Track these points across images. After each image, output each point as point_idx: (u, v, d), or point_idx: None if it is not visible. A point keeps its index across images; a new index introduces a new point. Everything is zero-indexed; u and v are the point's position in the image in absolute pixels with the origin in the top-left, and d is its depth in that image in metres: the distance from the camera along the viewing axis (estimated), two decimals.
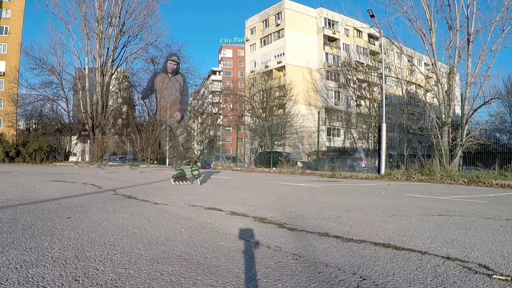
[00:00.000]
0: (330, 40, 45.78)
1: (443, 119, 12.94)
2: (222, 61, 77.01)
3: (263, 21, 47.76)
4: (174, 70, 5.42)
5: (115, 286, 1.05)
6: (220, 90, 51.25)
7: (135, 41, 28.25)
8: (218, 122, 41.03)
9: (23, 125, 30.25)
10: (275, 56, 45.06)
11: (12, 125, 29.59)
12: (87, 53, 26.48)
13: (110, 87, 28.55)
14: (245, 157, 27.32)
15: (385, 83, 14.72)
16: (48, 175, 6.62)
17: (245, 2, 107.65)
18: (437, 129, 12.52)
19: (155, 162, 27.72)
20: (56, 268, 1.17)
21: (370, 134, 31.61)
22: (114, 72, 28.38)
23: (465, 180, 7.64)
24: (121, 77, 31.08)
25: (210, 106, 44.97)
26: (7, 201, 2.73)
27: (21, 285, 1.02)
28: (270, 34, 46.41)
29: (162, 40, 48.03)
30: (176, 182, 5.24)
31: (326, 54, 44.71)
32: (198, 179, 5.44)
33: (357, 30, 40.69)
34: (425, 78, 16.42)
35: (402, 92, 30.98)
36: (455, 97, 13.35)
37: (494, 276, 1.22)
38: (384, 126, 10.67)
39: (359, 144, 33.78)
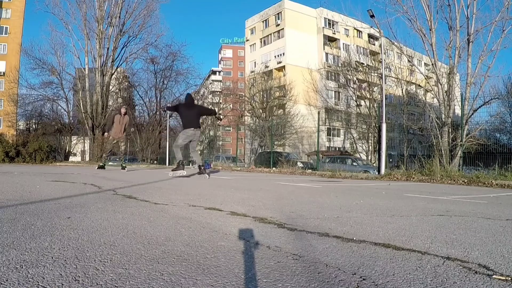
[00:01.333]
0: (330, 40, 45.79)
1: (443, 119, 12.94)
2: (222, 61, 77.01)
3: (263, 21, 47.76)
4: (124, 113, 9.55)
5: (115, 286, 1.05)
6: (220, 90, 51.29)
7: (135, 41, 28.33)
8: (218, 122, 41.00)
9: (23, 125, 30.26)
10: (275, 56, 45.07)
11: (12, 125, 29.59)
12: (87, 53, 26.51)
13: (110, 87, 28.57)
14: (245, 157, 27.35)
15: (385, 83, 14.73)
16: (48, 175, 6.62)
17: (245, 2, 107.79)
18: (437, 129, 12.52)
19: (155, 162, 27.74)
20: (56, 268, 1.17)
21: (370, 134, 31.62)
22: (114, 72, 28.40)
23: (465, 180, 7.64)
24: (121, 77, 31.12)
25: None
26: (7, 201, 2.73)
27: (21, 285, 1.02)
28: (270, 34, 46.41)
29: (162, 40, 48.15)
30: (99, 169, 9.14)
31: (326, 54, 44.72)
32: (125, 169, 9.53)
33: (357, 30, 40.68)
34: (425, 78, 16.44)
35: (402, 92, 30.98)
36: (455, 97, 13.36)
37: (494, 276, 1.22)
38: (384, 126, 10.67)
39: (359, 144, 33.78)
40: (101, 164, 9.92)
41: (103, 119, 26.93)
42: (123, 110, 9.58)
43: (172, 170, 7.21)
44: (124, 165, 10.00)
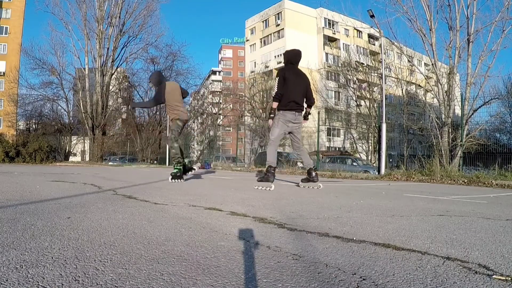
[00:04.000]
0: (330, 40, 45.82)
1: (443, 119, 12.95)
2: (222, 61, 77.08)
3: (263, 21, 47.80)
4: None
5: (115, 286, 1.05)
6: (220, 90, 51.31)
7: (135, 41, 28.40)
8: (218, 122, 41.08)
9: (23, 125, 30.33)
10: (275, 56, 45.10)
11: (12, 125, 29.64)
12: (87, 53, 26.55)
13: (110, 87, 28.59)
14: (245, 157, 27.32)
15: (385, 83, 14.73)
16: (48, 175, 6.62)
17: (245, 2, 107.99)
18: (437, 129, 12.53)
19: (155, 162, 27.74)
20: (56, 268, 1.17)
21: (370, 134, 31.59)
22: (114, 72, 28.42)
23: (465, 180, 7.64)
24: (121, 77, 31.13)
25: (210, 106, 45.00)
26: (7, 201, 2.73)
27: (21, 285, 1.02)
28: (270, 34, 46.46)
29: (162, 40, 48.32)
30: (174, 180, 5.64)
31: (326, 54, 44.76)
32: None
33: (357, 30, 40.69)
34: (425, 78, 16.43)
35: (402, 92, 30.97)
36: (455, 97, 13.36)
37: (494, 276, 1.22)
38: (384, 126, 10.68)
39: (359, 144, 33.77)
40: (175, 170, 5.72)
41: (103, 119, 26.93)
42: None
43: (259, 180, 4.80)
44: (191, 164, 6.35)
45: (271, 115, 4.87)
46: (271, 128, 4.90)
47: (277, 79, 4.73)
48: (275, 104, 4.78)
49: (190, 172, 5.93)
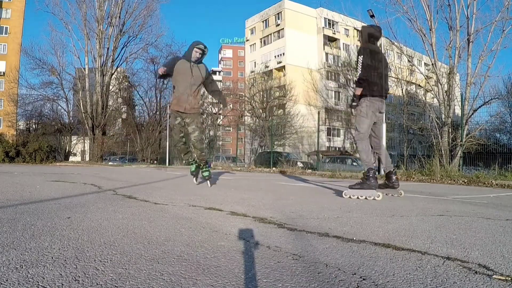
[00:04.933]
0: (330, 40, 45.80)
1: (443, 119, 12.95)
2: (222, 61, 77.09)
3: (263, 21, 47.78)
4: (198, 59, 4.74)
5: (115, 286, 1.05)
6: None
7: (135, 41, 28.34)
8: (218, 122, 41.05)
9: (23, 125, 30.32)
10: (275, 56, 45.09)
11: (12, 125, 29.64)
12: (87, 53, 26.52)
13: (110, 87, 28.56)
14: (245, 157, 27.34)
15: None
16: (48, 175, 6.62)
17: (245, 2, 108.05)
18: (437, 129, 12.53)
19: (155, 162, 27.74)
20: (56, 268, 1.17)
21: None
22: (114, 72, 28.39)
23: (465, 180, 7.64)
24: (121, 77, 31.10)
25: (210, 106, 44.97)
26: (7, 201, 2.73)
27: (21, 285, 1.02)
28: (270, 34, 46.44)
29: (162, 40, 48.17)
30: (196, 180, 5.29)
31: (326, 54, 44.74)
32: (208, 181, 5.04)
33: (357, 30, 40.66)
34: (425, 78, 16.42)
35: (402, 92, 30.96)
36: (455, 97, 13.35)
37: (494, 276, 1.22)
38: (384, 126, 10.66)
39: None
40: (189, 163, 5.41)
41: (103, 119, 26.92)
42: (196, 54, 4.67)
43: (357, 188, 3.83)
44: (206, 173, 5.07)
45: (354, 103, 3.94)
46: (357, 119, 3.94)
47: (360, 57, 3.83)
48: (359, 91, 3.84)
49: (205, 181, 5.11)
